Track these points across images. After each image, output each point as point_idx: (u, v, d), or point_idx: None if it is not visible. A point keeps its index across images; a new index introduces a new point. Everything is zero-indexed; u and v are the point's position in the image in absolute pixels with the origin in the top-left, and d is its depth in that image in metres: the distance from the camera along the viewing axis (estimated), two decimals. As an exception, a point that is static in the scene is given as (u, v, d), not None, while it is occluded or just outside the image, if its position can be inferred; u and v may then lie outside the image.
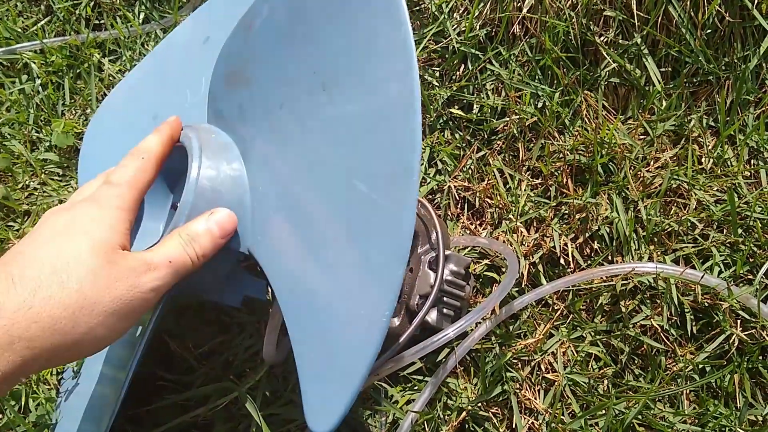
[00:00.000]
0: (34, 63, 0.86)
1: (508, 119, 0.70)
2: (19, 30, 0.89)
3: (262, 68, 0.51)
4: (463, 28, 0.73)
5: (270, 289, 0.57)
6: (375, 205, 0.41)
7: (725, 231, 0.64)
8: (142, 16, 0.90)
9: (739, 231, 0.63)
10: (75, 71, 0.87)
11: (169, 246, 0.46)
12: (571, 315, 0.63)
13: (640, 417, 0.58)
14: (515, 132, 0.70)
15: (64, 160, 0.81)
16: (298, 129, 0.47)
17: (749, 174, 0.67)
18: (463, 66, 0.74)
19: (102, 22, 0.90)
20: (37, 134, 0.83)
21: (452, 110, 0.73)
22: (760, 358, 0.59)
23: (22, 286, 0.40)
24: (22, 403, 0.64)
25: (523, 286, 0.64)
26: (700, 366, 0.60)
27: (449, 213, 0.70)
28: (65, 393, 0.66)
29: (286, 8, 0.48)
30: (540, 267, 0.65)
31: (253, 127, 0.52)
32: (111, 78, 0.86)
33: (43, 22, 0.90)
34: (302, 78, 0.47)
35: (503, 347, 0.62)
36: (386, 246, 0.40)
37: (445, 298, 0.60)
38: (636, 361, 0.62)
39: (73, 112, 0.85)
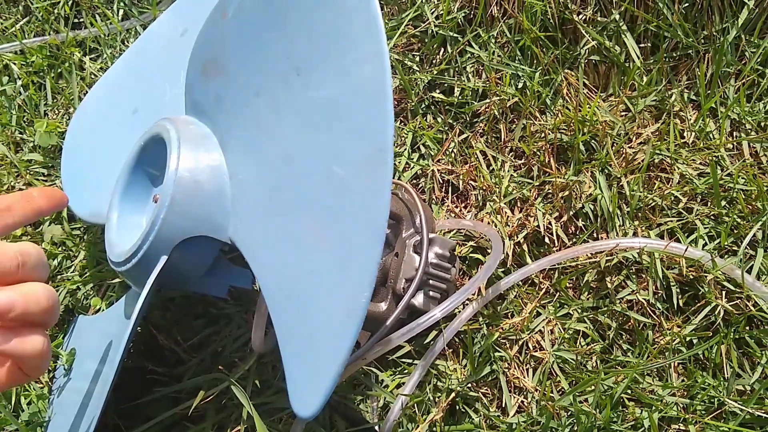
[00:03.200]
0: (15, 64, 0.86)
1: (489, 101, 0.70)
2: (-1, 31, 0.89)
3: (237, 56, 0.51)
4: (441, 12, 0.73)
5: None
6: (351, 188, 0.41)
7: (709, 204, 0.64)
8: (121, 13, 0.89)
9: (723, 203, 0.64)
10: (56, 71, 0.87)
11: None
12: (558, 293, 0.63)
13: (629, 391, 0.58)
14: (497, 113, 0.70)
15: (49, 160, 0.81)
16: (275, 116, 0.47)
17: (731, 146, 0.67)
18: (442, 50, 0.74)
19: (81, 20, 0.90)
20: (20, 135, 0.83)
21: (433, 94, 0.73)
22: (746, 328, 0.59)
23: None
24: (14, 402, 0.64)
25: (508, 266, 0.65)
26: (687, 338, 0.60)
27: (433, 197, 0.70)
28: (57, 390, 0.67)
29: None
30: (525, 246, 0.65)
31: (231, 116, 0.52)
32: (93, 76, 0.85)
33: (21, 23, 0.90)
34: (277, 64, 0.47)
35: (491, 327, 0.62)
36: (363, 226, 0.40)
37: (431, 281, 0.60)
38: (623, 336, 0.62)
39: (56, 111, 0.85)
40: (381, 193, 0.39)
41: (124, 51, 0.85)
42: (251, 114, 0.50)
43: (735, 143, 0.67)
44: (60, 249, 0.74)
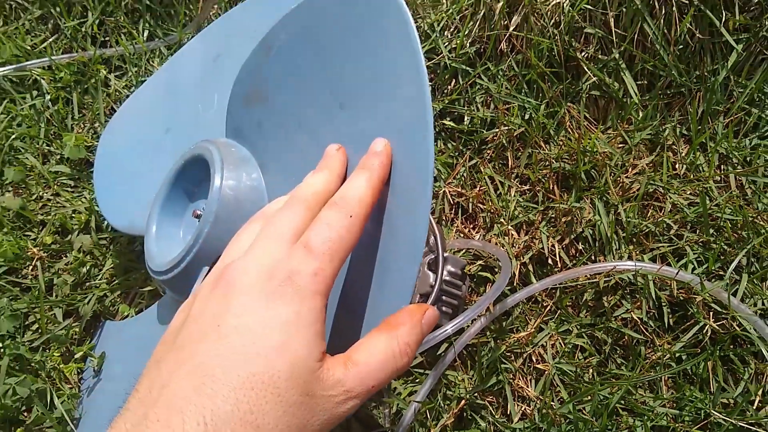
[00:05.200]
0: (44, 79, 0.90)
1: (497, 130, 0.76)
2: (28, 48, 0.93)
3: (280, 88, 0.55)
4: (454, 46, 0.78)
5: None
6: (390, 214, 0.45)
7: (698, 231, 0.70)
8: (146, 33, 0.94)
9: (711, 231, 0.69)
10: (83, 86, 0.91)
11: (379, 360, 0.39)
12: (559, 310, 0.69)
13: (622, 402, 0.63)
14: (504, 142, 0.75)
15: (75, 172, 0.85)
16: (315, 145, 0.51)
17: (719, 178, 0.73)
18: (454, 80, 0.79)
19: (108, 39, 0.94)
20: (48, 147, 0.87)
21: (445, 122, 0.78)
22: (731, 346, 0.65)
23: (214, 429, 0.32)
24: (48, 400, 0.68)
25: (514, 284, 0.70)
26: (677, 354, 0.65)
27: (444, 217, 0.75)
28: (87, 390, 0.70)
29: (302, 36, 0.53)
30: (530, 267, 0.70)
31: (271, 141, 0.56)
32: (117, 93, 0.90)
33: (51, 40, 0.94)
34: (320, 97, 0.51)
35: (497, 341, 0.67)
36: (403, 250, 0.44)
37: (443, 297, 0.65)
38: (618, 351, 0.67)
39: (82, 126, 0.89)
40: (420, 220, 0.42)
41: (148, 70, 0.90)
42: (292, 141, 0.53)
43: (723, 176, 0.73)
44: (88, 257, 0.78)
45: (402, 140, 0.44)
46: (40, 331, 0.74)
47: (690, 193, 0.72)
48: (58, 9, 0.94)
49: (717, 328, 0.65)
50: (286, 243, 0.39)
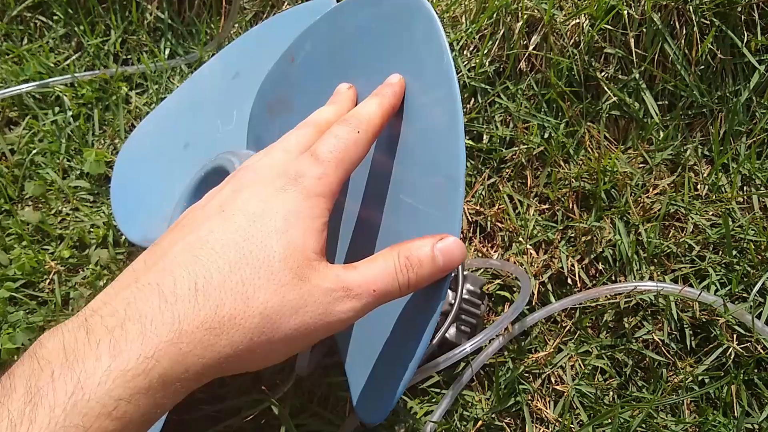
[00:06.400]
0: (66, 96, 0.91)
1: (516, 149, 0.75)
2: (52, 65, 0.94)
3: (304, 96, 0.55)
4: (474, 65, 0.78)
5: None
6: (425, 215, 0.44)
7: (720, 252, 0.69)
8: (167, 51, 0.95)
9: (734, 252, 0.68)
10: (104, 103, 0.92)
11: (379, 268, 0.38)
12: (579, 331, 0.68)
13: (644, 425, 0.62)
14: (523, 161, 0.75)
15: (95, 187, 0.85)
16: None
17: (742, 200, 0.72)
18: (473, 99, 0.79)
19: (129, 57, 0.95)
20: (68, 163, 0.87)
21: (464, 140, 0.78)
22: (756, 370, 0.63)
23: (205, 298, 0.33)
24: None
25: (533, 304, 0.69)
26: (700, 377, 0.64)
27: (462, 236, 0.74)
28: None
29: (328, 44, 0.53)
30: (549, 286, 0.69)
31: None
32: (138, 110, 0.90)
33: (73, 58, 0.96)
34: None
35: (516, 361, 0.66)
36: None
37: (462, 316, 0.64)
38: (639, 373, 0.66)
39: (102, 141, 0.90)
40: (455, 218, 0.42)
41: (169, 87, 0.91)
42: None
43: (745, 197, 0.72)
44: (105, 271, 0.78)
45: (431, 142, 0.44)
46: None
47: (712, 214, 0.71)
48: (81, 27, 0.95)
49: (741, 351, 0.63)
50: (294, 153, 0.41)
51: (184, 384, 0.33)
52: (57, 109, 0.92)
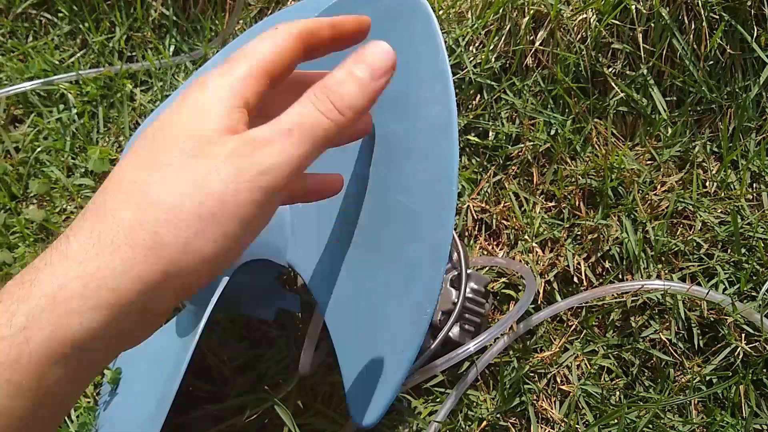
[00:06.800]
0: (70, 93, 0.91)
1: (522, 146, 0.74)
2: (56, 62, 0.94)
3: None
4: (479, 61, 0.77)
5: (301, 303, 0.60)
6: (418, 214, 0.44)
7: (729, 250, 0.68)
8: (172, 48, 0.94)
9: (743, 250, 0.67)
10: (109, 101, 0.91)
11: (292, 109, 0.33)
12: (585, 330, 0.67)
13: (650, 426, 0.61)
14: (529, 158, 0.74)
15: (99, 185, 0.85)
16: (340, 150, 0.51)
17: (751, 197, 0.71)
18: (479, 96, 0.78)
19: (134, 54, 0.95)
20: (73, 161, 0.87)
21: (469, 137, 0.77)
22: (764, 369, 0.63)
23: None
24: (66, 414, 0.68)
25: (539, 303, 0.68)
26: (707, 377, 0.63)
27: (467, 234, 0.74)
28: (104, 404, 0.70)
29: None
30: (555, 285, 0.69)
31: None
32: (142, 107, 0.90)
33: (78, 55, 0.95)
34: None
35: (521, 361, 0.66)
36: (427, 249, 0.43)
37: (466, 315, 0.64)
38: (646, 373, 0.65)
39: (107, 139, 0.89)
40: (447, 217, 0.42)
41: (173, 84, 0.91)
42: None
43: (755, 194, 0.71)
44: (109, 270, 0.78)
45: (425, 139, 0.43)
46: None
47: (721, 212, 0.70)
48: (86, 24, 0.95)
49: (749, 350, 0.62)
50: None
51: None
52: (62, 106, 0.91)
